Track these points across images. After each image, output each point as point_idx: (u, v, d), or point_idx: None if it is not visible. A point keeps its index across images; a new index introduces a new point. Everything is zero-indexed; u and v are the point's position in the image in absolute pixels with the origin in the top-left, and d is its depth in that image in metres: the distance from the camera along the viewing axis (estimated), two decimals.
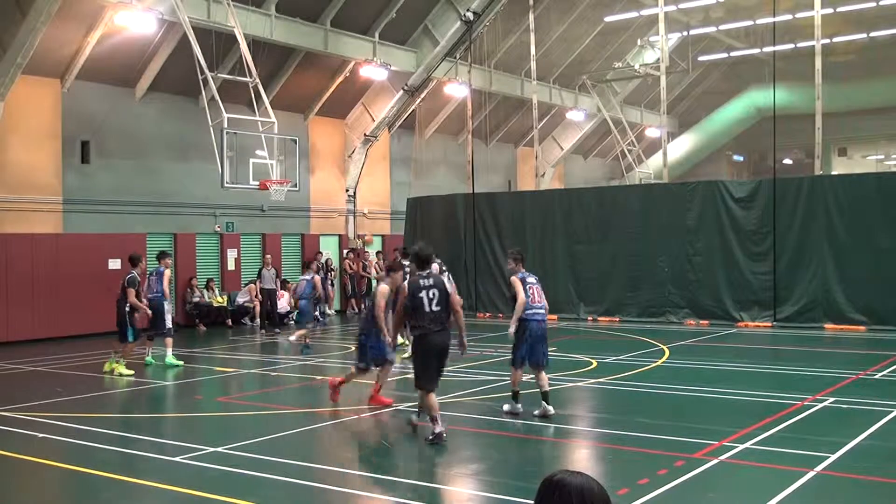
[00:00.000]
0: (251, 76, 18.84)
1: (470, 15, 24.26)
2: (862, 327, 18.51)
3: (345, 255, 26.33)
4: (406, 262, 15.94)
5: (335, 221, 26.98)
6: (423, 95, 26.83)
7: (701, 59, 36.57)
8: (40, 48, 17.61)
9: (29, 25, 16.61)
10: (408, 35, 25.59)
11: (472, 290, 23.55)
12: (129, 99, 21.51)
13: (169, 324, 15.38)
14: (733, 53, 37.02)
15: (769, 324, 19.58)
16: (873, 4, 29.88)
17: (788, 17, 29.32)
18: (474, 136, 27.53)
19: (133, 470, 8.13)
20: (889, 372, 13.30)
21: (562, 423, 10.14)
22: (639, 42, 33.99)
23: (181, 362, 15.29)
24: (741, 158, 45.58)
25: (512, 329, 10.31)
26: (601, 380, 12.88)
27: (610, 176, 40.81)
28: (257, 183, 19.04)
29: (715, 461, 8.04)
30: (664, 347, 16.43)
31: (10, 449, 9.09)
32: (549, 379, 13.30)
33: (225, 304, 22.59)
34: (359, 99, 26.83)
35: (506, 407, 10.40)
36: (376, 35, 24.39)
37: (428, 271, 9.36)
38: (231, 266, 23.59)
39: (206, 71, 17.94)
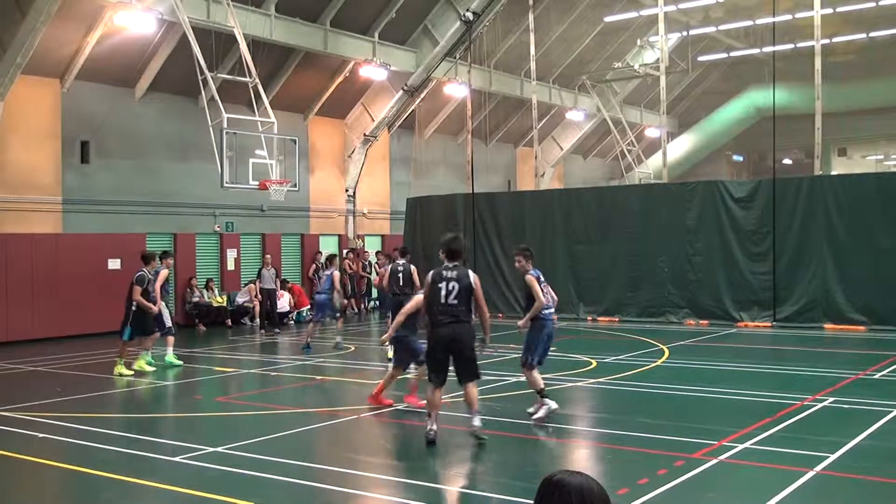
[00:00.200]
0: (251, 76, 18.84)
1: (470, 15, 24.26)
2: (862, 327, 18.51)
3: (345, 255, 26.32)
4: (402, 261, 15.99)
5: (335, 221, 26.98)
6: (422, 95, 26.83)
7: (701, 59, 36.58)
8: (40, 48, 17.61)
9: (29, 25, 16.61)
10: (407, 35, 25.59)
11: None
12: (128, 99, 21.51)
13: (168, 323, 15.32)
14: (733, 53, 37.03)
15: (769, 324, 19.58)
16: (873, 4, 29.89)
17: (788, 17, 29.33)
18: (474, 136, 27.53)
19: (133, 470, 8.13)
20: (889, 372, 13.31)
21: (562, 423, 10.14)
22: (638, 42, 33.99)
23: (181, 362, 15.28)
24: (741, 158, 45.58)
25: (523, 324, 10.20)
26: (601, 380, 12.88)
27: (610, 176, 40.82)
28: (257, 183, 19.05)
29: (714, 461, 8.04)
30: (664, 347, 16.43)
31: (10, 449, 9.09)
32: (549, 379, 13.32)
33: (224, 304, 22.59)
34: (358, 99, 26.83)
35: (542, 412, 9.86)
36: (376, 35, 24.40)
37: (454, 263, 9.11)
38: (231, 266, 23.59)
39: (206, 71, 17.94)
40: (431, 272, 9.21)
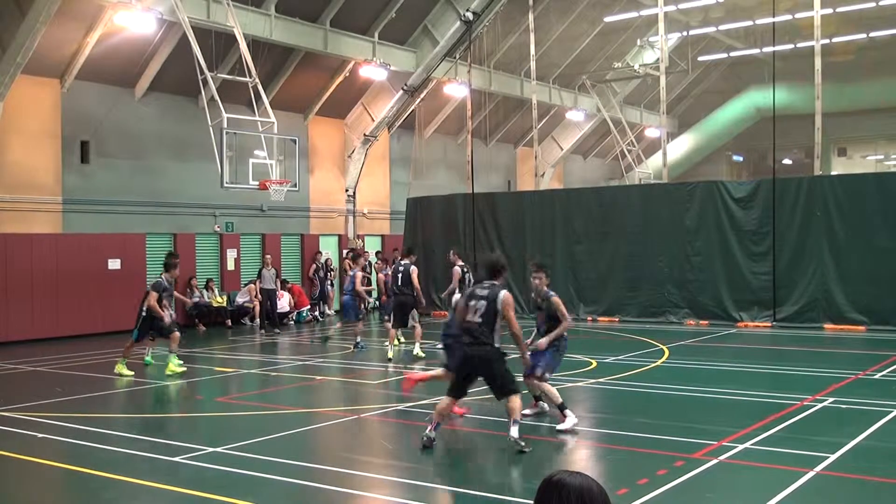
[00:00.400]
0: (251, 76, 18.84)
1: (469, 15, 24.26)
2: (862, 327, 18.51)
3: (345, 255, 26.30)
4: (405, 262, 16.06)
5: (335, 221, 26.98)
6: (422, 95, 26.83)
7: (701, 59, 36.57)
8: (40, 48, 17.61)
9: (28, 25, 16.61)
10: (407, 35, 25.59)
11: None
12: (128, 99, 21.51)
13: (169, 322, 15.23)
14: (733, 53, 37.03)
15: (769, 324, 19.58)
16: (873, 5, 29.88)
17: (788, 17, 29.31)
18: (474, 136, 27.52)
19: (133, 470, 8.12)
20: (889, 372, 13.31)
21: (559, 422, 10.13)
22: (638, 42, 33.98)
23: (154, 362, 15.20)
24: (741, 158, 45.57)
25: (546, 343, 9.85)
26: (601, 380, 12.88)
27: (609, 176, 40.82)
28: (257, 183, 19.05)
29: (714, 461, 8.04)
30: (664, 347, 16.43)
31: (10, 449, 9.09)
32: (550, 378, 13.33)
33: (224, 304, 22.59)
34: (358, 99, 26.83)
35: (567, 424, 9.51)
36: (376, 35, 24.39)
37: (491, 282, 8.89)
38: (231, 266, 23.59)
39: (206, 71, 17.94)
40: (469, 289, 9.14)
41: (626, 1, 30.56)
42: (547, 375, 9.94)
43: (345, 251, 26.46)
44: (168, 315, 15.00)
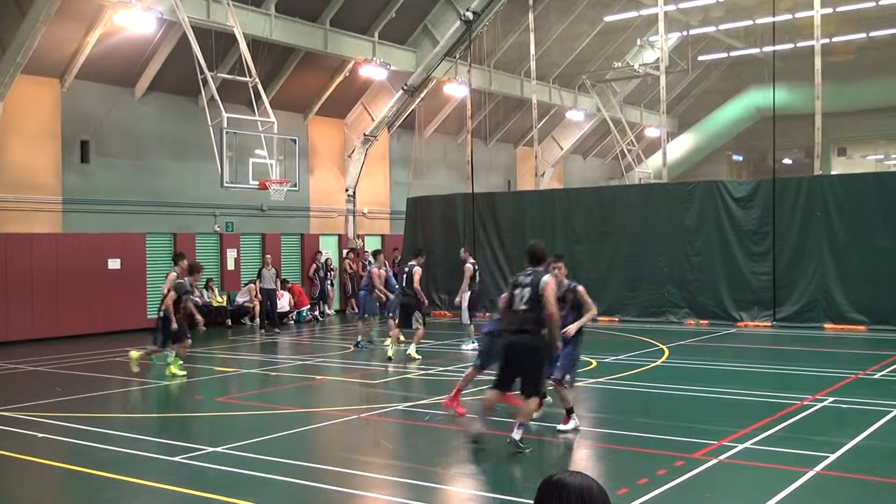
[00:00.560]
0: (251, 76, 18.84)
1: (469, 15, 24.26)
2: (862, 327, 18.51)
3: (345, 255, 26.33)
4: (412, 262, 16.11)
5: (335, 221, 26.98)
6: (422, 95, 26.83)
7: (701, 58, 36.56)
8: (40, 48, 17.61)
9: (28, 25, 16.61)
10: (407, 35, 25.58)
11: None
12: (128, 99, 21.51)
13: (174, 325, 15.15)
14: (733, 53, 37.01)
15: (769, 324, 19.58)
16: (873, 4, 29.88)
17: (788, 16, 29.31)
18: (474, 135, 27.52)
19: (133, 470, 8.12)
20: (889, 372, 13.31)
21: (562, 422, 10.12)
22: (638, 42, 33.96)
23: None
24: (741, 158, 45.57)
25: (572, 329, 9.51)
26: (601, 380, 12.88)
27: (609, 176, 40.81)
28: (257, 183, 19.05)
29: (714, 461, 8.04)
30: (664, 347, 16.43)
31: (10, 449, 9.09)
32: (549, 379, 13.32)
33: (224, 303, 22.58)
34: (358, 99, 26.83)
35: (569, 425, 9.39)
36: (376, 35, 24.39)
37: (534, 269, 8.73)
38: (231, 266, 23.59)
39: (206, 71, 17.94)
40: (513, 278, 8.96)
41: (625, 0, 30.56)
42: (569, 380, 9.68)
43: (345, 251, 26.49)
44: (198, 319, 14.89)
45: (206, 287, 22.54)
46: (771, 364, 14.84)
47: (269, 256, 22.71)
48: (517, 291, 8.64)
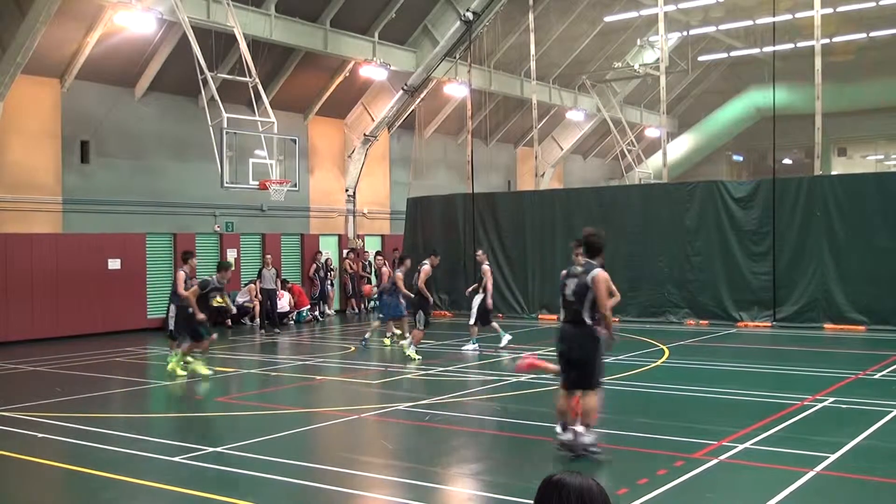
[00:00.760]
0: (251, 76, 18.85)
1: (469, 15, 24.27)
2: (862, 327, 18.51)
3: (345, 255, 26.33)
4: (427, 262, 16.12)
5: (335, 221, 26.98)
6: (422, 95, 26.83)
7: (701, 59, 36.57)
8: (40, 48, 17.61)
9: (29, 25, 16.61)
10: (407, 35, 25.59)
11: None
12: (128, 99, 21.51)
13: (171, 326, 15.11)
14: (733, 53, 37.02)
15: (769, 324, 19.58)
16: (873, 4, 29.89)
17: (788, 17, 29.32)
18: (474, 135, 27.53)
19: (133, 470, 8.12)
20: (889, 372, 13.31)
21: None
22: (638, 42, 33.97)
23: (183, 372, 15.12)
24: (741, 158, 45.58)
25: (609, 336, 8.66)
26: (601, 379, 12.85)
27: (609, 176, 40.82)
28: (257, 183, 19.06)
29: (714, 461, 8.04)
30: (664, 347, 16.43)
31: (10, 449, 9.09)
32: (549, 379, 13.31)
33: (224, 303, 22.54)
34: (358, 99, 26.83)
35: (591, 438, 8.35)
36: (376, 35, 24.39)
37: (587, 260, 8.55)
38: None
39: (206, 71, 17.95)
40: (567, 269, 8.77)
41: (626, 1, 30.57)
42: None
43: (345, 251, 26.49)
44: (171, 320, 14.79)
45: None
46: (771, 364, 14.83)
47: (269, 256, 22.71)
48: (568, 282, 8.51)
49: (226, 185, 18.58)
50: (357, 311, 25.91)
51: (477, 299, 16.91)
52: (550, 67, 32.10)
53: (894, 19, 32.03)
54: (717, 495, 7.27)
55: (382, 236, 28.69)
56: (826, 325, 18.99)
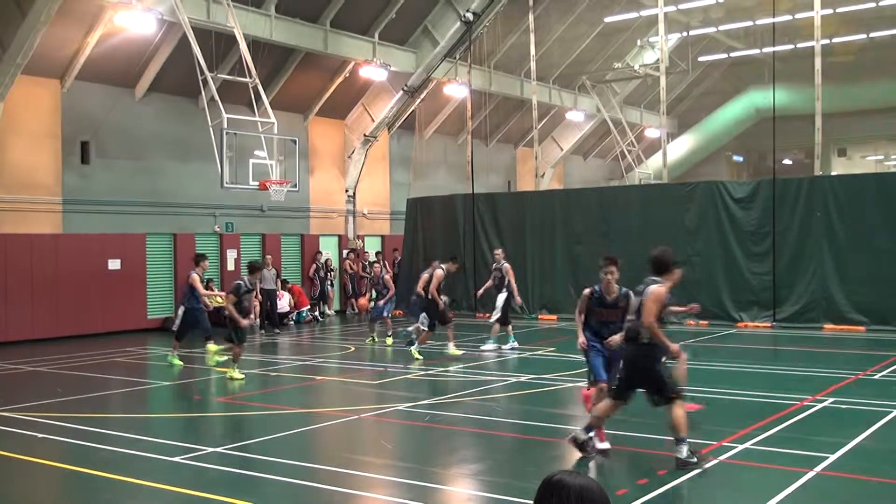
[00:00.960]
0: (251, 76, 18.85)
1: (469, 15, 24.27)
2: (861, 327, 18.51)
3: (345, 256, 26.33)
4: (444, 267, 15.98)
5: (335, 222, 26.99)
6: (422, 96, 26.83)
7: (701, 59, 36.56)
8: (40, 48, 17.61)
9: (29, 25, 16.61)
10: (407, 35, 25.59)
11: (472, 290, 23.58)
12: (128, 99, 21.51)
13: (175, 325, 15.17)
14: (733, 54, 37.02)
15: (769, 324, 19.58)
16: (872, 5, 29.88)
17: (788, 17, 29.31)
18: (474, 136, 27.53)
19: (133, 470, 8.13)
20: (889, 372, 13.31)
21: (562, 423, 10.14)
22: (638, 42, 33.98)
23: (181, 364, 15.21)
24: (741, 159, 45.57)
25: (617, 339, 8.81)
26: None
27: (609, 176, 40.82)
28: (257, 183, 19.06)
29: (715, 461, 8.04)
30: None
31: (10, 449, 9.09)
32: (549, 379, 13.33)
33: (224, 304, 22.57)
34: (358, 99, 26.83)
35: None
36: (376, 35, 24.40)
37: (653, 279, 8.38)
38: (231, 266, 23.58)
39: (206, 71, 17.95)
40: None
41: (626, 1, 30.57)
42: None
43: (345, 252, 26.49)
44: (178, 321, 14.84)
45: (206, 287, 22.51)
46: (771, 364, 14.84)
47: (269, 257, 22.72)
48: (634, 300, 8.53)
49: (226, 185, 18.58)
50: (357, 311, 25.91)
51: (501, 298, 16.80)
52: (550, 68, 32.10)
53: (894, 20, 32.03)
54: (718, 495, 7.28)
55: (382, 237, 28.69)
56: (826, 326, 18.99)
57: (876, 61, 34.94)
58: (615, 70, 34.20)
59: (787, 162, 40.83)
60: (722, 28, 33.92)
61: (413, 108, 27.47)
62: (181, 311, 15.47)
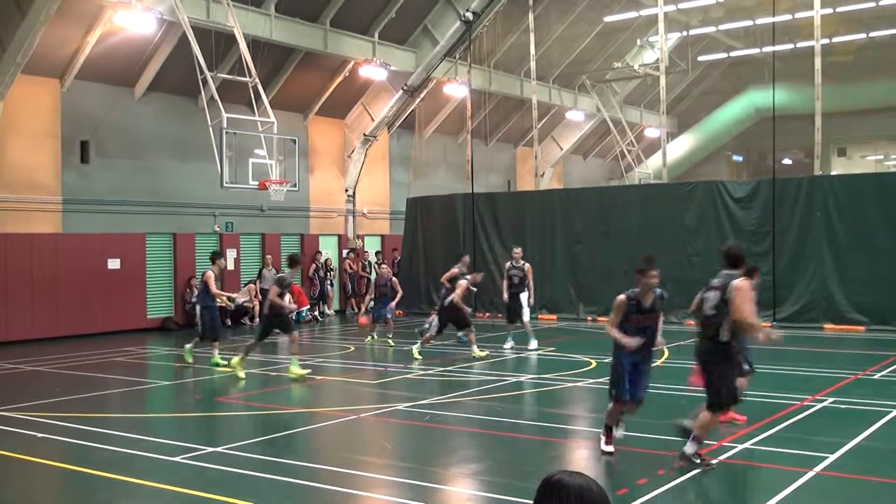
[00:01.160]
0: (250, 76, 18.85)
1: (469, 15, 24.27)
2: (861, 327, 18.51)
3: (345, 255, 26.33)
4: (468, 277, 15.88)
5: (334, 221, 26.98)
6: (422, 95, 26.83)
7: (700, 59, 36.56)
8: (40, 48, 17.61)
9: (28, 25, 16.61)
10: (407, 35, 25.59)
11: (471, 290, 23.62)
12: (128, 99, 21.51)
13: (199, 326, 15.09)
14: (733, 53, 37.02)
15: (769, 324, 19.54)
16: (872, 5, 29.89)
17: (788, 17, 29.32)
18: (474, 135, 27.53)
19: (133, 470, 8.12)
20: (889, 372, 13.31)
21: (562, 423, 10.14)
22: (638, 42, 33.97)
23: (226, 362, 14.97)
24: (740, 158, 45.57)
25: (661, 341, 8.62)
26: (600, 380, 12.85)
27: (609, 176, 40.82)
28: (257, 183, 19.06)
29: (714, 461, 8.03)
30: (664, 347, 16.40)
31: (10, 449, 9.09)
32: (549, 379, 13.34)
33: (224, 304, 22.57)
34: (358, 99, 26.83)
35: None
36: (376, 35, 24.39)
37: (728, 272, 8.09)
38: (231, 266, 23.58)
39: (206, 71, 17.95)
40: (708, 282, 8.26)
41: (626, 1, 30.57)
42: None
43: (344, 251, 26.49)
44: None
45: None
46: (771, 364, 14.82)
47: (269, 257, 22.73)
48: (707, 295, 8.11)
49: (226, 185, 18.58)
50: (356, 311, 25.89)
51: (524, 297, 16.75)
52: (550, 67, 32.10)
53: (894, 19, 32.03)
54: (718, 495, 7.27)
55: (382, 236, 28.69)
56: (826, 326, 18.98)
57: (876, 61, 34.95)
58: (615, 70, 34.20)
59: (786, 162, 40.83)
60: (722, 28, 33.91)
61: (413, 107, 27.47)
62: (198, 310, 15.41)
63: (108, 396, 12.77)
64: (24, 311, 19.00)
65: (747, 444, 8.60)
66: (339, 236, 26.96)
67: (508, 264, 17.21)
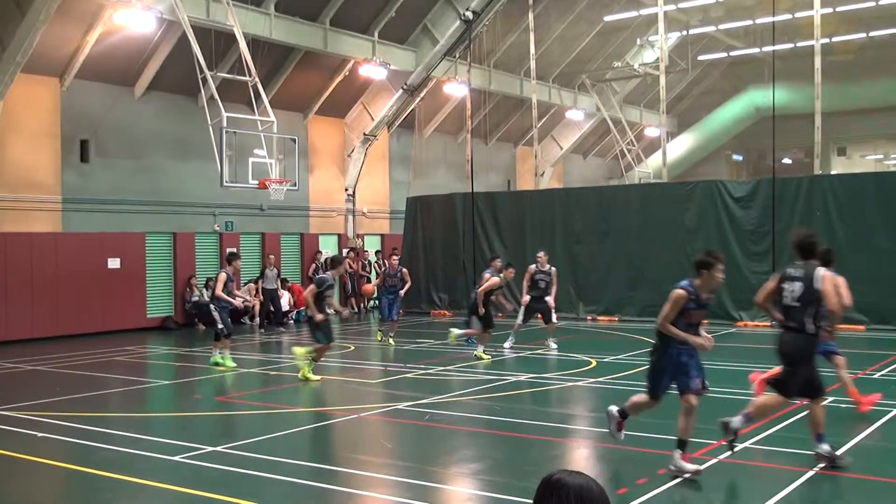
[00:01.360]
0: (250, 75, 18.85)
1: (469, 14, 24.28)
2: (861, 327, 18.50)
3: (345, 255, 26.30)
4: (498, 276, 15.72)
5: (334, 221, 26.99)
6: (422, 94, 26.84)
7: (700, 58, 36.58)
8: (39, 47, 17.60)
9: (28, 24, 16.61)
10: (407, 34, 25.59)
11: (471, 290, 23.59)
12: (128, 98, 21.50)
13: (219, 324, 15.01)
14: (733, 53, 37.03)
15: (769, 323, 19.55)
16: (872, 4, 29.90)
17: (788, 16, 29.33)
18: (473, 135, 27.53)
19: (133, 470, 8.12)
20: (889, 372, 13.31)
21: (561, 422, 10.14)
22: (638, 41, 33.99)
23: (234, 364, 14.90)
24: (740, 158, 45.58)
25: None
26: (600, 379, 12.87)
27: (609, 175, 40.83)
28: (256, 182, 19.05)
29: (714, 461, 8.03)
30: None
31: (10, 448, 9.09)
32: (549, 378, 13.34)
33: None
34: (358, 98, 26.83)
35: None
36: (376, 34, 24.39)
37: (805, 262, 7.91)
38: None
39: (206, 70, 17.95)
40: (782, 271, 8.14)
41: (625, 0, 30.57)
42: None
43: (344, 251, 26.48)
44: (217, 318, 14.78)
45: (206, 286, 22.51)
46: (771, 364, 14.76)
47: (271, 256, 22.73)
48: (786, 286, 7.89)
49: (225, 184, 18.58)
50: (357, 310, 25.89)
51: (550, 300, 16.74)
52: (550, 67, 32.11)
53: (894, 19, 32.04)
54: (717, 495, 7.28)
55: (382, 236, 28.69)
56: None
57: (875, 60, 34.95)
58: (615, 69, 34.22)
59: (786, 161, 40.84)
60: (722, 27, 33.93)
61: (413, 106, 27.48)
62: (213, 309, 15.37)
63: (108, 396, 12.76)
64: (24, 311, 19.00)
65: (747, 444, 8.59)
66: (339, 236, 26.96)
67: (533, 268, 16.68)
